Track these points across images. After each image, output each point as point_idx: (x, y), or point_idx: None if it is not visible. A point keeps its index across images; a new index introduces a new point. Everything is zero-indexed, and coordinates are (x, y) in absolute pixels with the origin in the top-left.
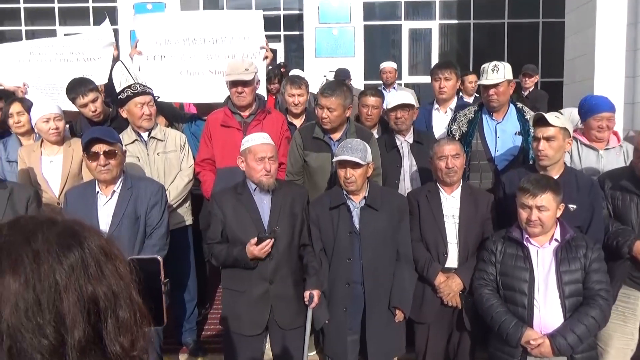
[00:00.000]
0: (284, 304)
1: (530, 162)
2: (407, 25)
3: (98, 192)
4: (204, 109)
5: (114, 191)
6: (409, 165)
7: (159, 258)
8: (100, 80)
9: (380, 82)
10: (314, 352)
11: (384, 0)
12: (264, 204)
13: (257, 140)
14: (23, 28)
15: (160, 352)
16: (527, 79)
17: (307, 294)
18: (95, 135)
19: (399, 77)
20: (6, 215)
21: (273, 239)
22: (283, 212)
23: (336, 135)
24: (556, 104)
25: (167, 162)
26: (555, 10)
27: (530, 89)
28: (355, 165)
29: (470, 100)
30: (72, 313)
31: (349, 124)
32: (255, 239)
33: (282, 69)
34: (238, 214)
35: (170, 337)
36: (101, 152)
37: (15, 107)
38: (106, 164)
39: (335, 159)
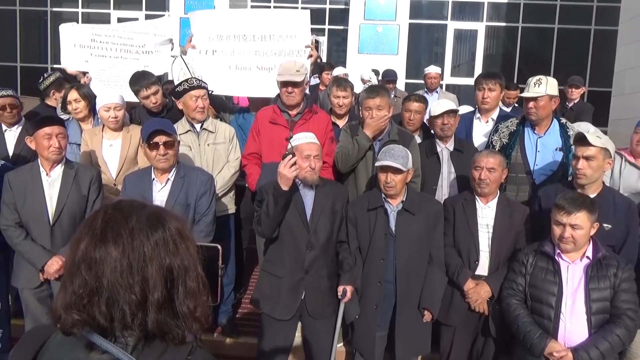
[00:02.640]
0: (315, 294)
1: (570, 178)
2: (452, 26)
3: (154, 178)
4: (257, 104)
5: (168, 179)
6: (447, 172)
7: (219, 247)
8: (155, 73)
9: (422, 81)
10: (341, 344)
11: None
12: (307, 199)
13: (304, 139)
14: (80, 10)
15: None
16: (573, 89)
17: (340, 288)
18: (156, 128)
19: (441, 78)
20: (72, 192)
21: (294, 156)
22: (325, 208)
23: (378, 135)
24: (602, 116)
25: (216, 153)
26: (609, 18)
27: (576, 101)
28: (396, 171)
29: (508, 110)
30: (154, 278)
31: (390, 126)
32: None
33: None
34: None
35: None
36: (161, 143)
37: (72, 95)
38: (165, 153)
39: (377, 164)
